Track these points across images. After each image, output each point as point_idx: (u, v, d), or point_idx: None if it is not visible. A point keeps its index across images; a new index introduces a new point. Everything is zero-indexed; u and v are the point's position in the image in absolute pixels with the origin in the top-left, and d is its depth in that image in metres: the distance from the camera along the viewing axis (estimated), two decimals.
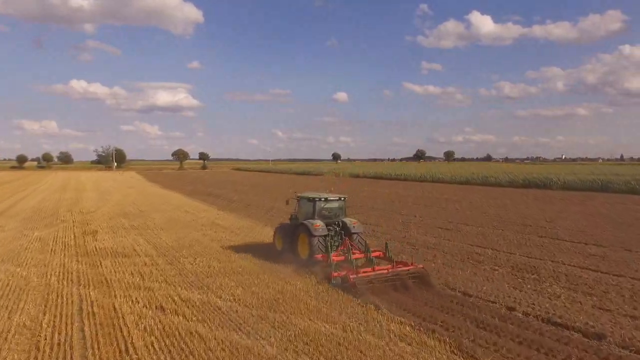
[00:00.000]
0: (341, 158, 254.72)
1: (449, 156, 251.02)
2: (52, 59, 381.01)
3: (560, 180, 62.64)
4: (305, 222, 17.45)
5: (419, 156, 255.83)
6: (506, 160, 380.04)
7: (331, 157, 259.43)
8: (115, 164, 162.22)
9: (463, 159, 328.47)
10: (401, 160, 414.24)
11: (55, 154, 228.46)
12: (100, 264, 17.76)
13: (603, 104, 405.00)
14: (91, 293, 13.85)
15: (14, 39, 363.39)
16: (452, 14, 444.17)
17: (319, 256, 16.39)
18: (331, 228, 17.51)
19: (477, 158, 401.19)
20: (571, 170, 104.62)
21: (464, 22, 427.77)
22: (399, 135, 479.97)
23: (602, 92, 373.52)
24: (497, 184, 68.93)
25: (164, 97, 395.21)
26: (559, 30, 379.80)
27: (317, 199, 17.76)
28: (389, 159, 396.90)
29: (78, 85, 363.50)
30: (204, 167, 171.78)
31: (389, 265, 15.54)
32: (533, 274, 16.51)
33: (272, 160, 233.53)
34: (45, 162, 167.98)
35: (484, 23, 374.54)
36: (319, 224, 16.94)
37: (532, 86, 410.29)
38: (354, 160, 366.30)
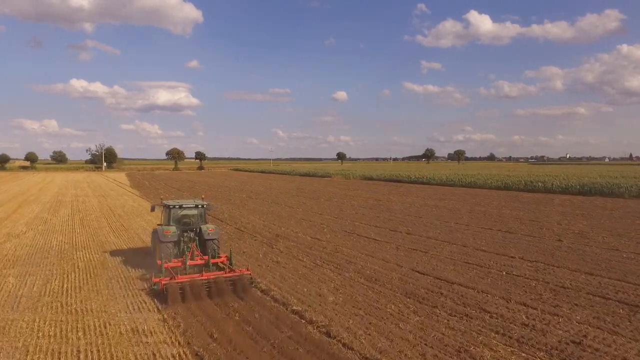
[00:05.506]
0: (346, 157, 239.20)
1: (459, 156, 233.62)
2: (51, 58, 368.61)
3: (633, 187, 49.09)
4: (158, 228, 17.27)
5: (428, 155, 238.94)
6: (510, 159, 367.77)
7: (335, 157, 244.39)
8: (105, 164, 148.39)
9: (467, 159, 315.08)
10: (403, 159, 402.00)
11: (49, 154, 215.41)
12: None
13: (602, 103, 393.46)
14: None
15: (11, 38, 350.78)
16: (450, 14, 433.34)
17: (159, 262, 15.85)
18: (186, 234, 17.38)
19: (480, 157, 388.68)
20: (598, 172, 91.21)
21: (463, 21, 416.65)
22: (399, 135, 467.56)
23: (601, 91, 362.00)
24: (546, 190, 55.35)
25: (163, 96, 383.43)
26: (557, 29, 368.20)
27: (172, 207, 17.48)
28: (391, 159, 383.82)
29: (78, 84, 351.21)
30: (200, 168, 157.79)
31: (221, 272, 15.20)
32: None
33: (273, 160, 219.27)
34: (30, 162, 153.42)
35: (482, 22, 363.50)
36: (169, 230, 16.70)
37: (530, 85, 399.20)
38: (357, 159, 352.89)
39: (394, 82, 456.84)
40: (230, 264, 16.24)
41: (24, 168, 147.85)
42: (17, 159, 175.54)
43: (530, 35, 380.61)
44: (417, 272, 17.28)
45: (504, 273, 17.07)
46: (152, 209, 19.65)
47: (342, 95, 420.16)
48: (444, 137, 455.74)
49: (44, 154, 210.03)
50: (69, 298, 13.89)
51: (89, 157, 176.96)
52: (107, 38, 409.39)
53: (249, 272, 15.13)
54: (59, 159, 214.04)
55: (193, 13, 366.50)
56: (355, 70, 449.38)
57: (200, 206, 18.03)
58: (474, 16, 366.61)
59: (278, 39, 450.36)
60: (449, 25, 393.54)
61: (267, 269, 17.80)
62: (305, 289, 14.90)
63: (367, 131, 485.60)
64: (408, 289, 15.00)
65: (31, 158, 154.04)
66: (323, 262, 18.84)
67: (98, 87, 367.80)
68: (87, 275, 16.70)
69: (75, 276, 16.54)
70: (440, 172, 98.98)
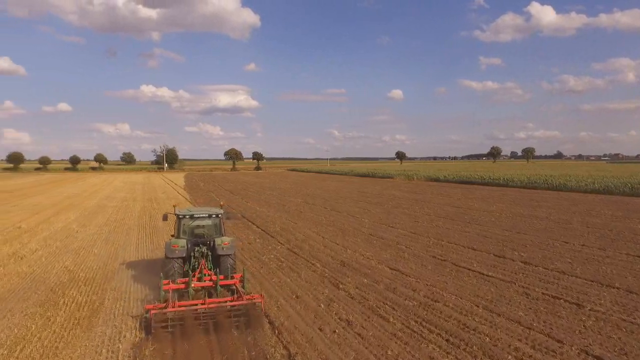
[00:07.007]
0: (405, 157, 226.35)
1: (528, 154, 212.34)
2: (124, 66, 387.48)
3: None
4: (167, 242, 14.86)
5: (494, 154, 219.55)
6: (580, 157, 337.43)
7: (392, 156, 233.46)
8: (167, 165, 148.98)
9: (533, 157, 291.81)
10: (462, 158, 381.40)
11: (119, 155, 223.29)
12: None
13: None
14: None
15: (89, 49, 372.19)
16: (510, 7, 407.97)
17: (164, 282, 13.12)
18: (197, 249, 14.54)
19: (545, 155, 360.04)
20: None
21: (524, 14, 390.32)
22: (457, 133, 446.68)
23: None
24: None
25: (224, 99, 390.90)
26: (627, 18, 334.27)
27: (181, 216, 14.96)
28: (450, 158, 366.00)
29: (147, 89, 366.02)
30: (257, 168, 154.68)
31: (229, 298, 12.50)
32: None
33: (330, 160, 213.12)
34: (98, 163, 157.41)
35: (545, 14, 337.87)
36: (178, 244, 14.18)
37: (598, 79, 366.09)
38: (413, 159, 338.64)
39: (451, 79, 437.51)
40: (242, 286, 13.36)
41: (94, 169, 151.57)
42: (89, 160, 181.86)
43: (597, 26, 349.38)
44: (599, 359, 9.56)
45: None
46: (165, 218, 16.72)
47: (397, 93, 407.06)
48: (504, 135, 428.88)
49: (117, 156, 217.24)
50: None
51: (154, 158, 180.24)
52: (173, 45, 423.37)
53: (261, 300, 12.14)
54: (127, 159, 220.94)
55: (251, 18, 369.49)
56: (411, 69, 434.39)
57: (214, 215, 15.26)
58: (535, 8, 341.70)
59: (333, 40, 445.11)
60: (509, 19, 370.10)
61: (334, 338, 10.76)
62: None
63: (423, 130, 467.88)
64: None
65: (100, 159, 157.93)
66: (422, 327, 11.52)
67: (165, 92, 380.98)
68: (58, 341, 10.50)
69: (38, 344, 10.36)
70: (513, 171, 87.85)
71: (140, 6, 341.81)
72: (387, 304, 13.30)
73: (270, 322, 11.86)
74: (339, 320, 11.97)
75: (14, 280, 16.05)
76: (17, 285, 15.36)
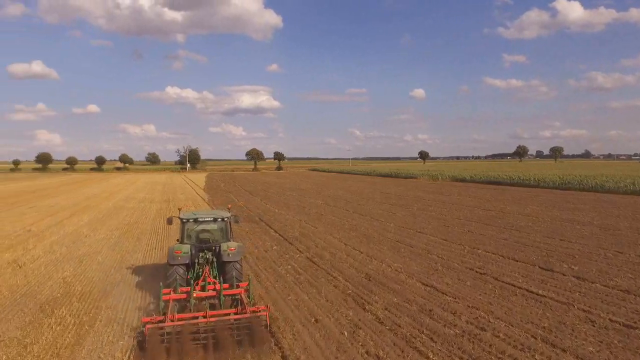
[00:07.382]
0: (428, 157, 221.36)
1: (556, 153, 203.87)
2: (150, 68, 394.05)
3: None
4: (170, 247, 13.75)
5: (520, 153, 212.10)
6: (610, 157, 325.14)
7: (414, 156, 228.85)
8: (189, 165, 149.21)
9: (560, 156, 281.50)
10: (486, 157, 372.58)
11: (144, 155, 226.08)
12: None
13: None
14: None
15: (116, 52, 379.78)
16: (535, 3, 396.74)
17: (165, 291, 12.01)
18: (202, 255, 13.46)
19: (573, 155, 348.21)
20: None
21: (549, 10, 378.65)
22: (479, 132, 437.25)
23: None
24: None
25: (247, 99, 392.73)
26: None
27: (185, 220, 13.92)
28: (473, 157, 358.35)
29: (172, 91, 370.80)
30: (278, 168, 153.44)
31: (233, 310, 11.39)
32: None
33: (351, 160, 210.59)
34: (123, 163, 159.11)
35: (572, 9, 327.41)
36: (181, 249, 13.08)
37: (628, 75, 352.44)
38: (436, 158, 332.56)
39: (474, 77, 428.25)
40: (248, 296, 12.26)
41: (118, 169, 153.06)
42: (114, 160, 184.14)
43: (628, 20, 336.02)
44: None
45: None
46: (169, 222, 15.55)
47: (419, 92, 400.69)
48: (529, 134, 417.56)
49: (142, 156, 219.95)
50: None
51: (178, 158, 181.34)
52: (197, 47, 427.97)
53: (266, 312, 10.91)
54: (152, 160, 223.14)
55: (273, 19, 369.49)
56: (433, 67, 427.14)
57: (220, 219, 14.21)
58: (562, 4, 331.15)
59: (354, 40, 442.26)
60: (534, 15, 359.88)
61: None
62: None
63: (445, 129, 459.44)
64: None
65: (124, 160, 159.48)
66: None
67: (189, 93, 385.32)
68: None
69: None
70: (544, 171, 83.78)
71: (165, 9, 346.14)
72: (423, 332, 11.05)
73: (284, 357, 9.78)
74: (366, 356, 9.80)
75: (3, 294, 14.43)
76: (5, 301, 13.71)
